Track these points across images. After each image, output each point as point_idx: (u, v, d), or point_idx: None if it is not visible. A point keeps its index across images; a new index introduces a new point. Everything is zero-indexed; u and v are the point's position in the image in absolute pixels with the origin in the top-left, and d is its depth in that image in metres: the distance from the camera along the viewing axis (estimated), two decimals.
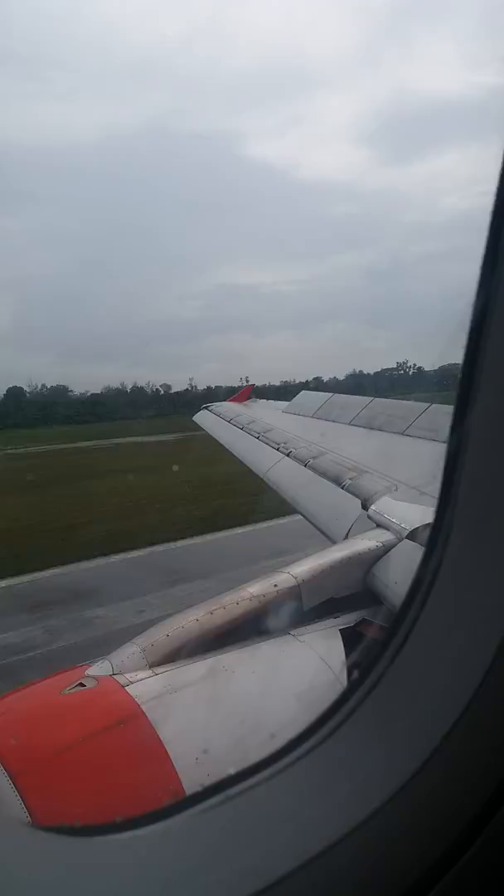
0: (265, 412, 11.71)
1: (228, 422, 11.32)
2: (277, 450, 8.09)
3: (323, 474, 6.46)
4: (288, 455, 7.67)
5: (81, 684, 2.94)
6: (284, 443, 8.14)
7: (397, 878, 0.90)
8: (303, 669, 3.22)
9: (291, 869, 0.85)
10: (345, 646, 3.32)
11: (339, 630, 3.46)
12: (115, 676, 2.97)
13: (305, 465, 7.01)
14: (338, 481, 5.96)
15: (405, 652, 1.12)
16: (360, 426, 8.26)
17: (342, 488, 5.76)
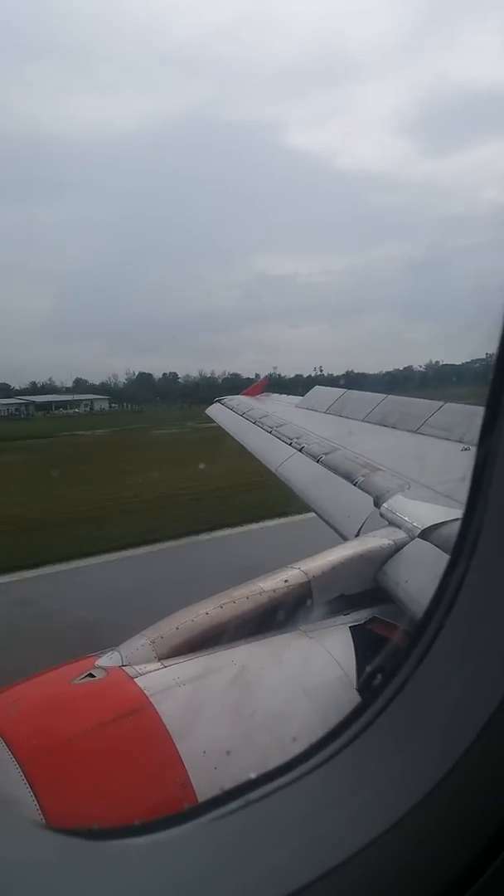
0: (278, 406, 11.65)
1: (241, 415, 11.28)
2: (290, 445, 8.04)
3: (335, 470, 6.42)
4: (300, 450, 7.63)
5: (91, 675, 2.94)
6: (297, 438, 8.09)
7: (416, 892, 0.88)
8: (312, 666, 3.20)
9: (309, 879, 0.84)
10: (355, 644, 3.30)
11: (350, 627, 3.44)
12: (123, 668, 2.96)
13: (318, 461, 6.97)
14: (350, 478, 5.92)
15: (428, 661, 1.10)
16: (373, 423, 8.20)
17: (354, 485, 5.72)
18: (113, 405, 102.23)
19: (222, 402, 13.35)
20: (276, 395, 13.85)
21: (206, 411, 13.85)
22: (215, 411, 13.14)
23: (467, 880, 0.90)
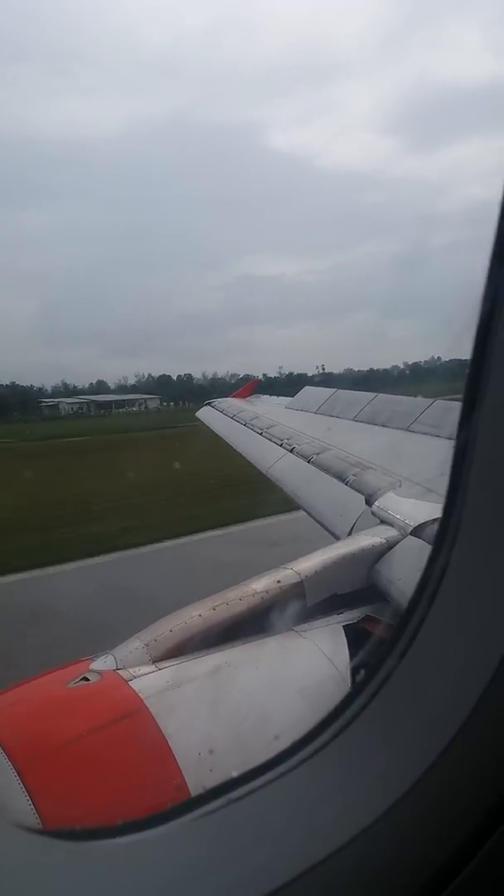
0: (268, 408, 11.66)
1: (231, 418, 11.28)
2: (281, 446, 8.05)
3: (326, 470, 6.43)
4: (291, 451, 7.64)
5: (85, 678, 2.94)
6: (288, 439, 8.10)
7: (403, 884, 0.89)
8: (306, 666, 3.21)
9: (296, 874, 0.84)
10: (349, 642, 3.30)
11: (343, 626, 3.44)
12: (118, 671, 2.96)
13: (309, 461, 6.98)
14: (341, 477, 5.93)
15: (411, 653, 1.10)
16: (364, 422, 8.22)
17: (346, 484, 5.73)
18: (165, 404, 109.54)
19: (212, 404, 13.33)
20: (265, 397, 13.86)
21: (195, 414, 13.84)
22: (205, 414, 13.13)
23: (453, 870, 0.91)
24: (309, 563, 3.67)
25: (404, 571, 3.66)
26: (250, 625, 3.31)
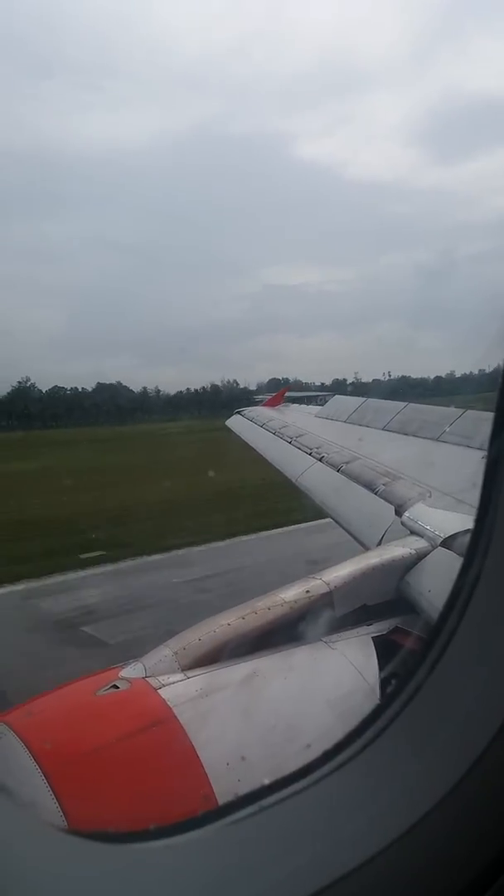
0: (298, 416, 11.64)
1: (261, 426, 11.28)
2: (310, 454, 8.03)
3: (356, 480, 6.40)
4: (320, 460, 7.62)
5: (115, 686, 2.96)
6: (317, 447, 8.08)
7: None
8: (335, 677, 3.19)
9: (324, 884, 0.84)
10: (378, 654, 3.27)
11: (372, 638, 3.41)
12: (147, 679, 2.98)
13: (338, 471, 6.95)
14: (371, 487, 5.90)
15: (441, 665, 1.10)
16: (393, 431, 8.16)
17: (375, 494, 5.70)
18: None
19: (242, 413, 13.34)
20: (295, 405, 13.84)
21: (226, 423, 13.84)
22: (235, 423, 13.13)
23: (481, 886, 0.90)
24: (338, 574, 3.65)
25: (434, 583, 3.62)
26: (279, 634, 3.30)
